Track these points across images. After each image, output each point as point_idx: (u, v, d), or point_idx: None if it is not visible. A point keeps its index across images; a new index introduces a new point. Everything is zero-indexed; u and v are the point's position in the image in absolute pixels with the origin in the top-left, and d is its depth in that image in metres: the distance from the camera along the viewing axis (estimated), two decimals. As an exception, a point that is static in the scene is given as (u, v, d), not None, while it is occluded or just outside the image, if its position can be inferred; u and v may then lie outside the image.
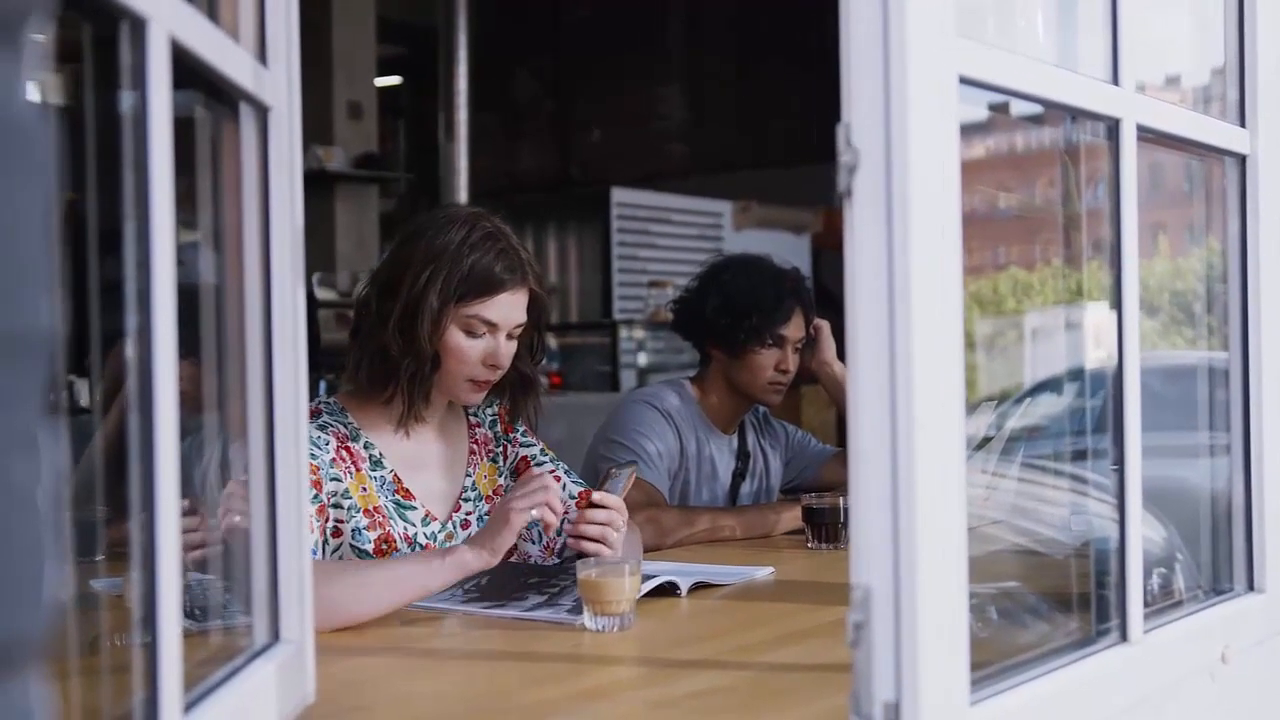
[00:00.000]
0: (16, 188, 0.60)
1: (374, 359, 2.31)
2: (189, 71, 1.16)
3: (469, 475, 2.46)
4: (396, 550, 2.28)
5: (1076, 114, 1.64)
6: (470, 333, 2.30)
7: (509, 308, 2.32)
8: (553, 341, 8.03)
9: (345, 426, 2.32)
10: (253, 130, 1.41)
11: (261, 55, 1.41)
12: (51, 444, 0.64)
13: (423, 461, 2.40)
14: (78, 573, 1.35)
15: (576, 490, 2.49)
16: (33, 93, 0.63)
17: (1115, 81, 1.59)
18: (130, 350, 1.06)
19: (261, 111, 1.41)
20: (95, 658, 1.26)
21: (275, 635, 1.43)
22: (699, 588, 2.29)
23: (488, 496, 2.47)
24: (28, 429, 0.62)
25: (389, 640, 1.96)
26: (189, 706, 1.14)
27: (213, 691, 1.23)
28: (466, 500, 2.44)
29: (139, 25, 1.04)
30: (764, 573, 2.47)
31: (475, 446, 2.49)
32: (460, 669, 1.83)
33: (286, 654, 1.42)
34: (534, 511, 2.07)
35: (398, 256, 2.33)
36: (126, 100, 1.06)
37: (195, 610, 1.43)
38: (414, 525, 2.33)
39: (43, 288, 0.62)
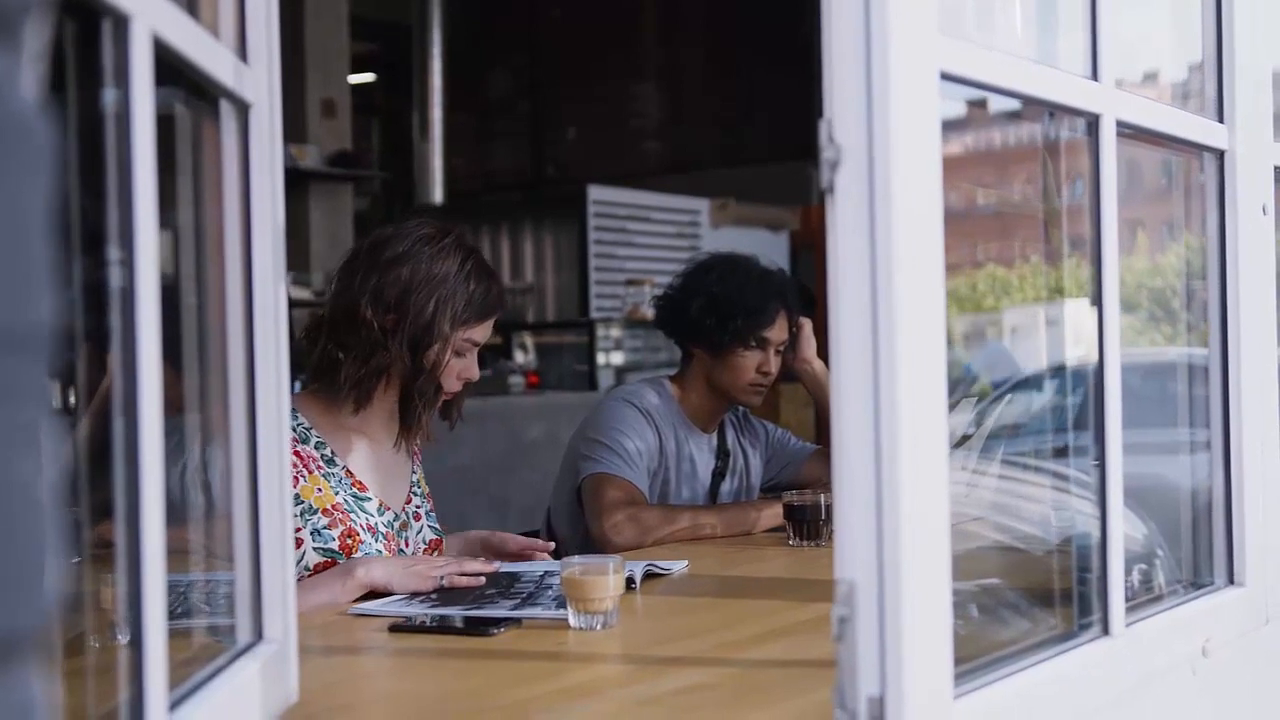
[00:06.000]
0: (18, 184, 0.60)
1: (374, 376, 2.38)
2: (169, 68, 1.16)
3: (414, 473, 2.58)
4: (362, 543, 2.36)
5: (1057, 109, 1.64)
6: (458, 353, 2.42)
7: (490, 329, 2.49)
8: (529, 340, 8.03)
9: (294, 429, 2.35)
10: (233, 128, 1.40)
11: (242, 52, 1.40)
12: (52, 439, 0.64)
13: (373, 459, 2.48)
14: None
15: (430, 536, 2.57)
16: (31, 90, 0.63)
17: (1095, 77, 1.59)
18: (113, 351, 1.05)
19: (242, 109, 1.40)
20: (78, 658, 1.25)
21: (258, 634, 1.43)
22: (650, 577, 2.35)
23: (427, 494, 2.61)
24: (31, 424, 0.62)
25: (372, 640, 1.96)
26: (173, 705, 1.13)
27: (197, 690, 1.23)
28: (416, 495, 2.56)
29: (121, 22, 1.03)
30: (679, 566, 2.49)
31: (415, 449, 2.60)
32: (444, 668, 1.82)
33: (270, 653, 1.41)
34: (443, 581, 2.22)
35: (390, 277, 2.37)
36: (108, 97, 1.05)
37: (175, 609, 1.42)
38: (372, 515, 2.41)
39: (44, 284, 0.62)
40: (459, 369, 2.43)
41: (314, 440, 2.39)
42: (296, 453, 2.32)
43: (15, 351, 0.60)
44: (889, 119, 1.21)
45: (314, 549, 2.31)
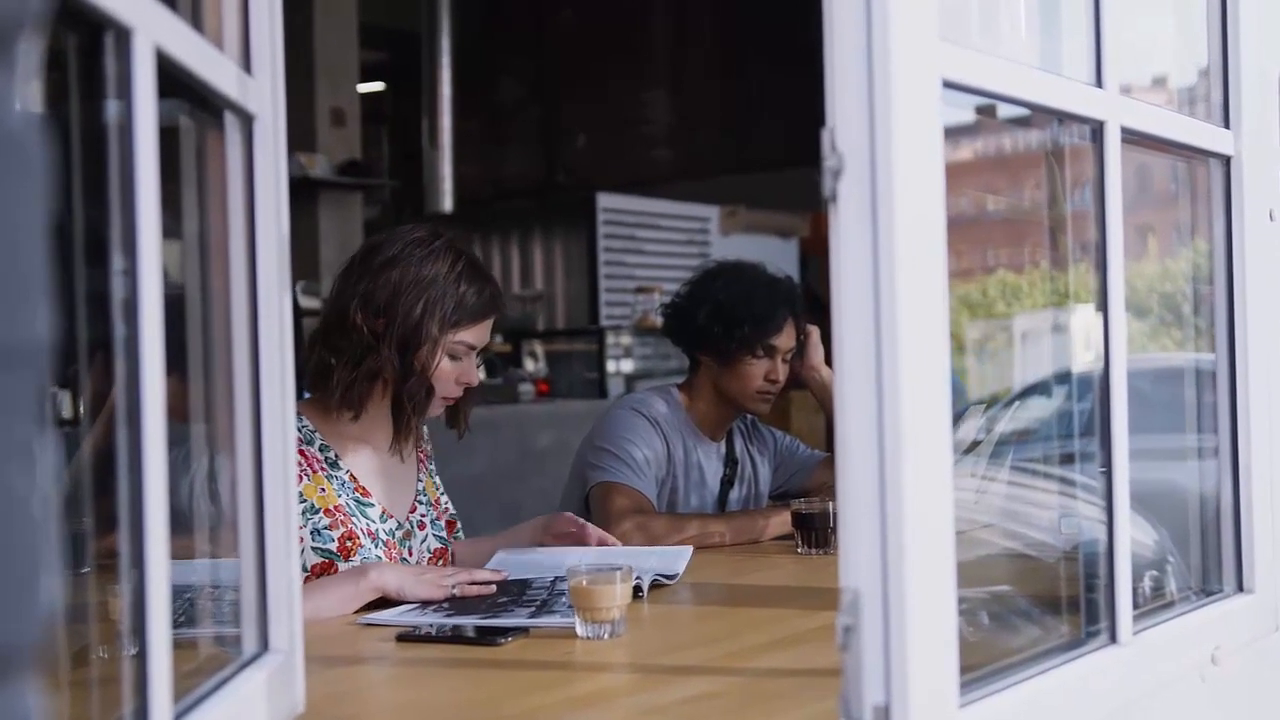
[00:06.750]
0: (13, 199, 0.60)
1: (366, 380, 2.38)
2: (173, 80, 1.16)
3: (420, 481, 2.57)
4: (361, 547, 2.36)
5: (1061, 116, 1.64)
6: (453, 357, 2.42)
7: (488, 332, 2.47)
8: (539, 348, 8.03)
9: (300, 431, 2.35)
10: (238, 139, 1.40)
11: (246, 64, 1.41)
12: (47, 453, 0.65)
13: (378, 467, 2.48)
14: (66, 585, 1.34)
15: (435, 546, 2.56)
16: (27, 103, 0.63)
17: (1099, 84, 1.59)
18: (117, 361, 1.05)
19: (246, 120, 1.41)
20: (85, 669, 1.26)
21: (264, 645, 1.43)
22: (656, 586, 2.35)
23: (434, 503, 2.59)
24: (25, 438, 0.62)
25: (378, 650, 1.96)
26: (179, 716, 1.13)
27: (202, 701, 1.23)
28: (421, 503, 2.55)
29: (124, 35, 1.03)
30: (685, 554, 2.52)
31: (421, 457, 2.60)
32: (450, 678, 1.82)
33: (275, 664, 1.41)
34: (454, 590, 2.23)
35: (380, 280, 2.37)
36: (111, 109, 1.05)
37: (180, 618, 1.42)
38: (374, 521, 2.41)
39: (39, 298, 0.63)
40: (456, 373, 2.42)
41: (318, 443, 2.39)
42: (301, 452, 2.33)
43: (11, 367, 0.61)
44: (891, 127, 1.21)
45: (313, 548, 2.31)
